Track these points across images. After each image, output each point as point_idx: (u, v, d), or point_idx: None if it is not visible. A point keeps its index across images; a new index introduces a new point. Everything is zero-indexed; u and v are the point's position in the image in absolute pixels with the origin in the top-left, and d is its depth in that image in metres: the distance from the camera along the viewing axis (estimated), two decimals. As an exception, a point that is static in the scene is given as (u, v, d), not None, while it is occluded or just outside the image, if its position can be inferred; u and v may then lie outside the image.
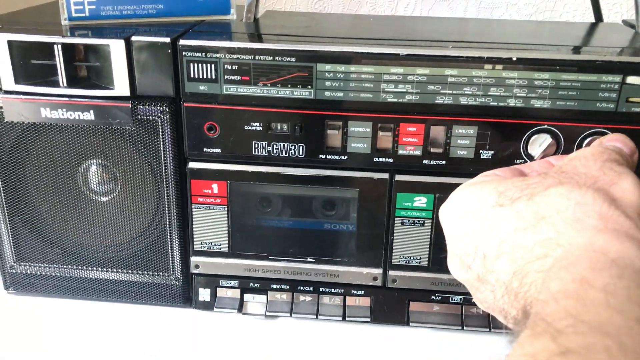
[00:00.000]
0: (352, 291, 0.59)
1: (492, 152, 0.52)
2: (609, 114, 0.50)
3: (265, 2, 0.87)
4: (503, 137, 0.51)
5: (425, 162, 0.53)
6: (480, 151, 0.52)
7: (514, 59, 0.49)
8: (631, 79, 0.48)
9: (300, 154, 0.54)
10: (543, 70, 0.49)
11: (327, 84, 0.51)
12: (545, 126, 0.51)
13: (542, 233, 0.30)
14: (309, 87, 0.51)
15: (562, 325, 0.24)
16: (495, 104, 0.50)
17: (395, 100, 0.51)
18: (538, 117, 0.50)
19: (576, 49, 0.55)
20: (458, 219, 0.36)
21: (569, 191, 0.30)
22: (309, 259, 0.58)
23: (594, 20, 0.70)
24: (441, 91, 0.50)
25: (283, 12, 0.82)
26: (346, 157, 0.53)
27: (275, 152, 0.54)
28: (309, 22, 0.66)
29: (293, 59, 0.50)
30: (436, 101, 0.50)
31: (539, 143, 0.51)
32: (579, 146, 0.51)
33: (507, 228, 0.32)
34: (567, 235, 0.29)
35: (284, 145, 0.53)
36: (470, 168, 0.52)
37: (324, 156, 0.54)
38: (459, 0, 0.84)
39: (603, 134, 0.50)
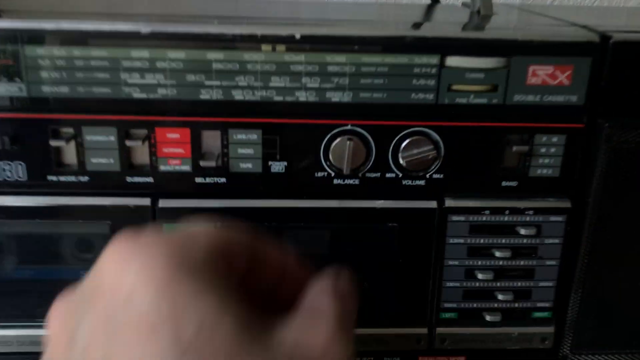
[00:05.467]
0: None
1: (285, 163, 0.39)
2: (427, 107, 0.38)
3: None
4: (296, 143, 0.39)
5: (198, 180, 0.39)
6: (270, 162, 0.39)
7: (298, 36, 0.36)
8: (452, 60, 0.37)
9: (20, 176, 0.38)
10: (337, 51, 0.36)
11: (44, 75, 0.36)
12: (349, 126, 0.38)
13: None
14: (17, 79, 0.36)
15: None
16: (281, 98, 0.37)
17: (145, 95, 0.37)
18: (338, 114, 0.38)
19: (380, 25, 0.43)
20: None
21: None
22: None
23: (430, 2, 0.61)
24: (206, 82, 0.37)
25: None
26: (87, 177, 0.38)
27: (-18, 174, 0.38)
28: None
29: (-14, 40, 0.35)
30: (201, 96, 0.37)
31: (341, 149, 0.38)
32: (395, 150, 0.39)
33: None
34: None
35: (-7, 165, 0.38)
36: (260, 186, 0.39)
37: (54, 178, 0.38)
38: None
39: (422, 133, 0.39)
